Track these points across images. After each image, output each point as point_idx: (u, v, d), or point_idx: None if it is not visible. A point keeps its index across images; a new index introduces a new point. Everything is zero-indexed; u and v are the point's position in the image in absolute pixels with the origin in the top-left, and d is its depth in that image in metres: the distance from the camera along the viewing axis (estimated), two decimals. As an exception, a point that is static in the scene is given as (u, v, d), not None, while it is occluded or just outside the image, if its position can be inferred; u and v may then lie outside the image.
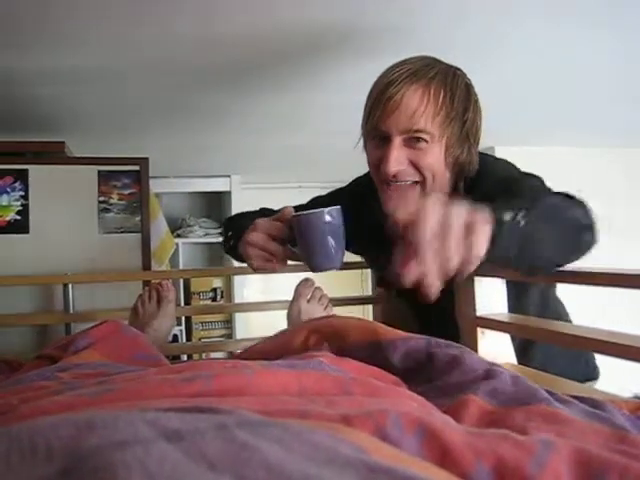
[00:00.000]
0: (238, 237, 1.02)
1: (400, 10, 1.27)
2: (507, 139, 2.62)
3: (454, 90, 0.96)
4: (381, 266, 1.27)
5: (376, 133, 0.98)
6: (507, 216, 0.70)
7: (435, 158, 0.96)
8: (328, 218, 0.92)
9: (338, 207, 0.94)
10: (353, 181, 1.26)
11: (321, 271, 0.96)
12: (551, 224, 0.76)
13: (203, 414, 0.35)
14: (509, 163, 1.07)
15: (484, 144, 1.04)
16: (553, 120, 2.52)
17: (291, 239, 0.97)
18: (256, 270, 1.00)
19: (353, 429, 0.38)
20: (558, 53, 1.60)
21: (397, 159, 0.95)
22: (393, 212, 0.96)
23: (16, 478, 0.27)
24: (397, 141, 0.95)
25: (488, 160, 1.07)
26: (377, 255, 1.23)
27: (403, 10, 1.27)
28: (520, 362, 1.00)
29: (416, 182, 0.97)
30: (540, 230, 0.74)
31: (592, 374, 1.19)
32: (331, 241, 0.93)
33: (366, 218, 1.17)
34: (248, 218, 1.13)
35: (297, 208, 1.17)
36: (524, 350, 1.04)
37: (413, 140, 0.95)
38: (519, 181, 0.99)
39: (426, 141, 0.94)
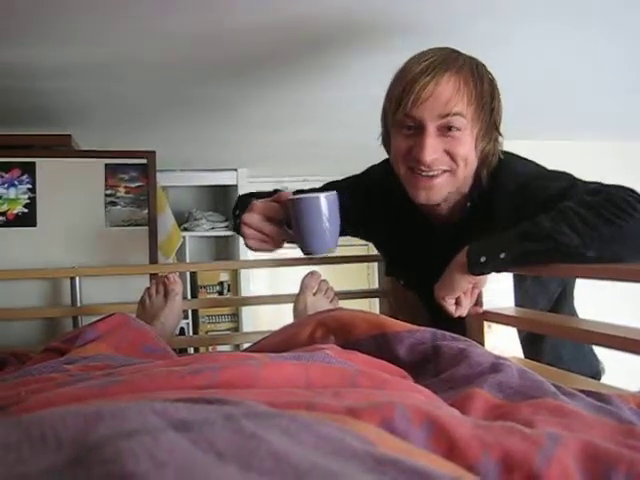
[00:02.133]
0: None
1: (410, 7, 1.26)
2: (510, 133, 2.61)
3: (482, 79, 0.96)
4: (393, 254, 1.26)
5: (408, 122, 0.96)
6: (482, 258, 0.88)
7: (468, 147, 0.95)
8: (324, 203, 0.91)
9: (334, 192, 0.94)
10: (369, 169, 1.25)
11: (314, 254, 0.96)
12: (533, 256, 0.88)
13: (211, 405, 0.36)
14: (532, 162, 1.07)
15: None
16: (553, 117, 2.51)
17: (288, 221, 0.97)
18: (254, 251, 1.01)
19: (360, 421, 0.38)
20: (558, 52, 1.61)
21: (433, 146, 0.93)
22: (424, 201, 0.98)
23: (27, 468, 0.27)
24: (432, 128, 0.93)
25: (510, 156, 1.07)
26: (390, 243, 1.23)
27: (413, 7, 1.26)
28: (526, 357, 0.99)
29: (445, 170, 0.96)
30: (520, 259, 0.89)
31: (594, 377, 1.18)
32: (326, 225, 0.91)
33: (381, 206, 1.16)
34: (256, 197, 1.13)
35: (311, 192, 1.17)
36: (529, 346, 1.04)
37: (446, 129, 0.94)
38: (537, 180, 0.99)
39: (459, 129, 0.93)
